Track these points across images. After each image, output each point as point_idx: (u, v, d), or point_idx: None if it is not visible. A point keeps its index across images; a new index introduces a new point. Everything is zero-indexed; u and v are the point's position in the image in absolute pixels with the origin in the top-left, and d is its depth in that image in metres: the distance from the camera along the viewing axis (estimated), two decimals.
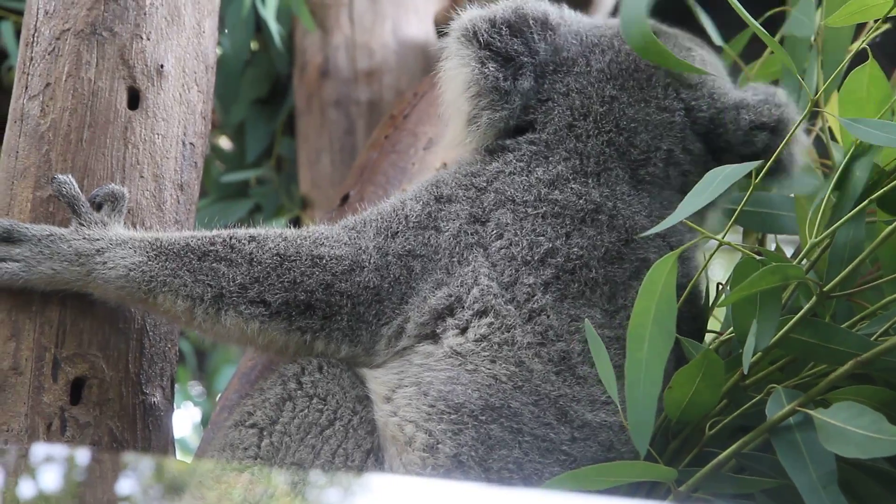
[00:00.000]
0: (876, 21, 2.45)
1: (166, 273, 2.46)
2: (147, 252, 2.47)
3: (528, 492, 2.32)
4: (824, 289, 2.32)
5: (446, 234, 2.54)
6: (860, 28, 2.76)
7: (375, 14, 4.16)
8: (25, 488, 2.10)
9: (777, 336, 2.32)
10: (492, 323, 2.46)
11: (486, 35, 2.63)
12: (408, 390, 2.45)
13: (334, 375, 2.50)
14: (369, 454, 2.44)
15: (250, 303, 2.47)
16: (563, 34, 2.70)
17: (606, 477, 2.26)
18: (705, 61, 2.76)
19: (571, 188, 2.56)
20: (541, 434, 2.39)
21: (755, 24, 2.45)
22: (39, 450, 2.27)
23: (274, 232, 2.54)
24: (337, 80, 4.14)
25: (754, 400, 2.34)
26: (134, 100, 2.65)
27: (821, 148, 2.79)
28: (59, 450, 2.28)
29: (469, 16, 2.66)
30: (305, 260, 2.49)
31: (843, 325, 2.35)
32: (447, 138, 2.76)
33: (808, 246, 2.41)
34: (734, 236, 2.68)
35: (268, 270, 2.48)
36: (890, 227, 2.30)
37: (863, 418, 2.14)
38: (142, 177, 2.62)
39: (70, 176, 2.51)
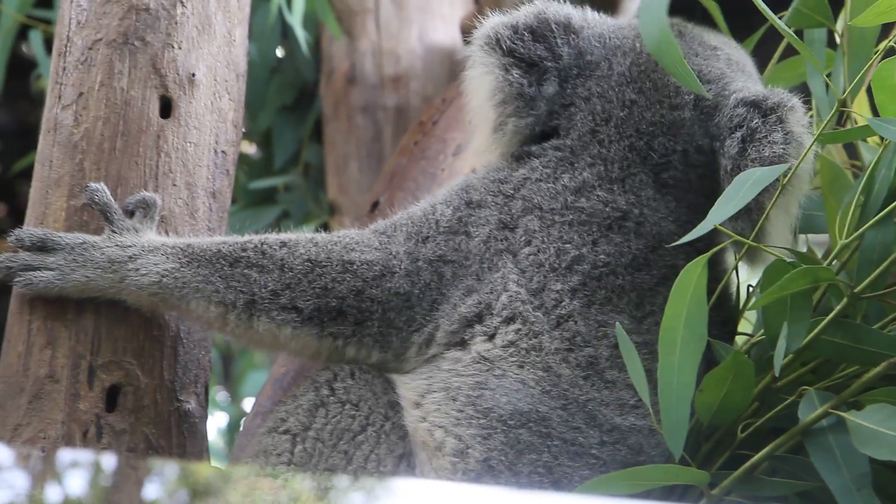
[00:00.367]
0: None
1: (198, 280, 2.47)
2: (179, 258, 2.48)
3: (559, 496, 2.32)
4: (855, 290, 2.31)
5: (476, 239, 2.53)
6: (886, 28, 2.75)
7: (402, 20, 4.17)
8: (69, 492, 2.11)
9: (808, 338, 2.32)
10: (519, 329, 2.45)
11: (508, 42, 2.62)
12: (436, 395, 2.45)
13: (366, 381, 2.51)
14: (401, 459, 2.45)
15: (282, 309, 2.48)
16: (585, 37, 2.67)
17: (639, 481, 2.26)
18: (731, 60, 2.70)
19: (598, 195, 2.54)
20: (570, 438, 2.39)
21: (781, 26, 2.45)
22: (75, 456, 2.28)
23: (305, 237, 2.54)
24: (364, 87, 4.15)
25: (786, 402, 2.34)
26: (166, 109, 2.66)
27: (850, 149, 2.77)
28: (91, 456, 2.29)
29: (491, 23, 2.65)
30: (336, 265, 2.49)
31: (874, 327, 2.34)
32: (473, 145, 2.74)
33: (837, 247, 2.40)
34: None
35: (299, 277, 2.48)
36: None
37: None
38: (174, 185, 2.63)
39: (103, 184, 2.52)
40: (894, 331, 2.34)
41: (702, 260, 2.24)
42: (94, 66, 2.63)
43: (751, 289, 2.57)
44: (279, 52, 4.40)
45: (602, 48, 2.67)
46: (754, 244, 2.39)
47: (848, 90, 2.51)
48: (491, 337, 2.46)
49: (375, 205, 3.53)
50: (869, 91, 2.60)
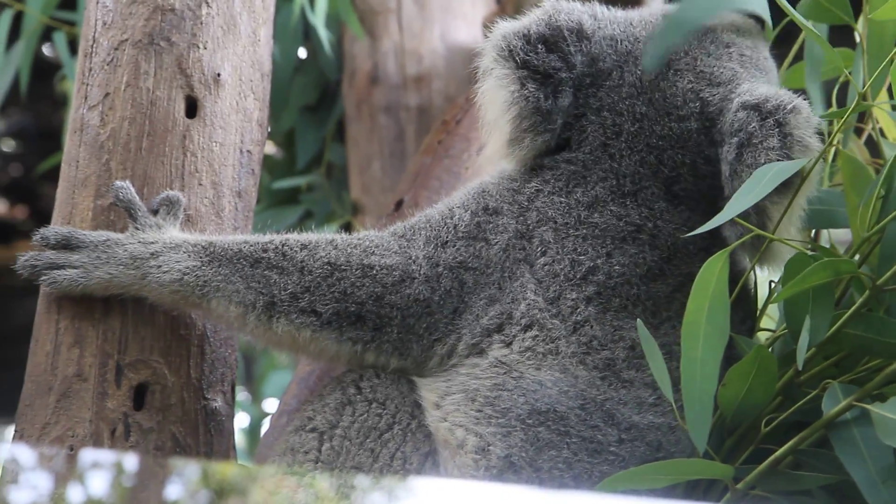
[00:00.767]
0: None
1: (219, 279, 2.48)
2: (201, 256, 2.48)
3: (582, 494, 2.33)
4: (877, 283, 2.31)
5: (496, 247, 2.52)
6: None
7: (424, 20, 4.18)
8: (94, 493, 2.13)
9: (831, 331, 2.31)
10: (537, 335, 2.45)
11: (522, 54, 2.55)
12: (455, 397, 2.45)
13: (393, 380, 2.52)
14: (427, 457, 2.45)
15: (301, 312, 2.48)
16: (597, 41, 2.61)
17: (663, 475, 2.26)
18: (744, 56, 2.63)
19: (611, 210, 2.52)
20: (588, 436, 2.39)
21: (803, 22, 2.45)
22: (107, 456, 2.30)
23: (325, 239, 2.53)
24: (386, 87, 4.16)
25: (810, 396, 2.33)
26: (192, 108, 2.67)
27: (872, 147, 2.77)
28: (119, 456, 2.31)
29: (502, 32, 2.59)
30: (356, 270, 2.49)
31: None
32: (487, 154, 2.70)
33: (859, 241, 2.41)
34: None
35: (318, 280, 2.48)
36: None
37: None
38: (200, 184, 2.64)
39: (128, 182, 2.54)
40: None
41: (723, 254, 2.25)
42: (119, 67, 2.65)
43: (773, 284, 2.57)
44: (302, 53, 4.41)
45: (614, 54, 2.61)
46: (777, 238, 2.39)
47: (868, 84, 2.51)
48: (508, 344, 2.46)
49: (399, 204, 3.53)
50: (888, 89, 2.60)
